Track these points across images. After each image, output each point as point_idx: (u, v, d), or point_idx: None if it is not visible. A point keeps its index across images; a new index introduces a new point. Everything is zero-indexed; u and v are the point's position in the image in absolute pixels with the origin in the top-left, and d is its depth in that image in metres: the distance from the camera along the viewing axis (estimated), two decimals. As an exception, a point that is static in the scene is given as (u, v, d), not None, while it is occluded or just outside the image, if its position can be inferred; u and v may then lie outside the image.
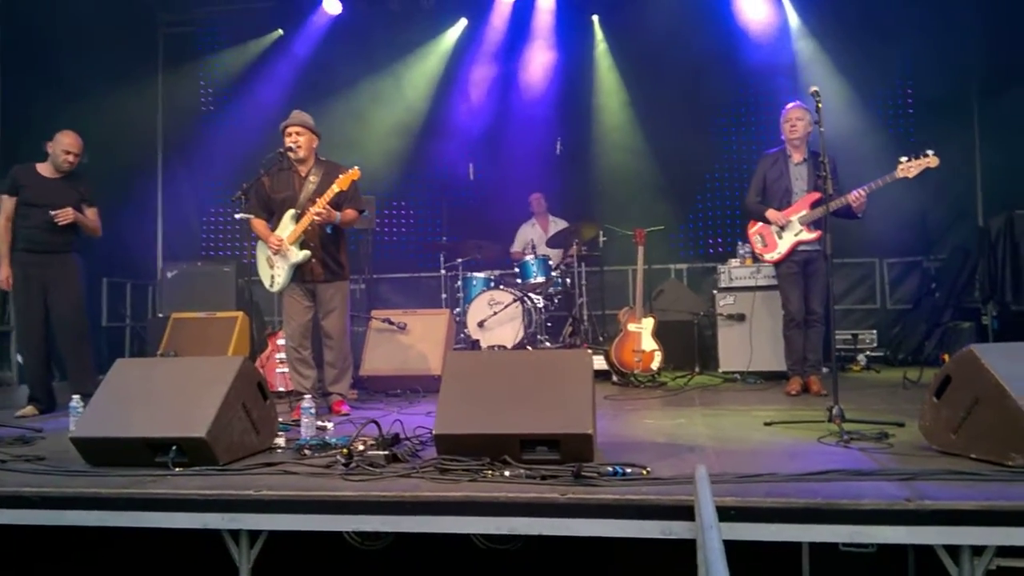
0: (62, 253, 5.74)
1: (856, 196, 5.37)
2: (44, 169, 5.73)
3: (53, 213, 5.56)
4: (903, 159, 5.23)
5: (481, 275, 7.89)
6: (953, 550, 2.66)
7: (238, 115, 9.62)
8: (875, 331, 7.93)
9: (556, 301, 7.92)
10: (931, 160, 5.16)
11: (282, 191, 5.28)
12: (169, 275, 8.35)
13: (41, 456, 3.78)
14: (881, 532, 2.66)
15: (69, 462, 3.59)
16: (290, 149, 5.21)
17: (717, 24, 8.83)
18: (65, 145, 5.67)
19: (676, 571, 3.00)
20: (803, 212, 5.70)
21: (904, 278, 8.70)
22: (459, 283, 8.01)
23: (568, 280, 7.96)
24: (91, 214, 5.86)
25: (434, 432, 3.35)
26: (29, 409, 5.54)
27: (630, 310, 6.82)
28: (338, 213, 5.18)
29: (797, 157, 5.81)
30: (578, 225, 7.85)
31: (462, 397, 3.48)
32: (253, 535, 3.09)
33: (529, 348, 7.10)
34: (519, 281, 7.74)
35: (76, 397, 4.42)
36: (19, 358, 7.90)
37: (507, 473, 3.11)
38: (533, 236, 8.40)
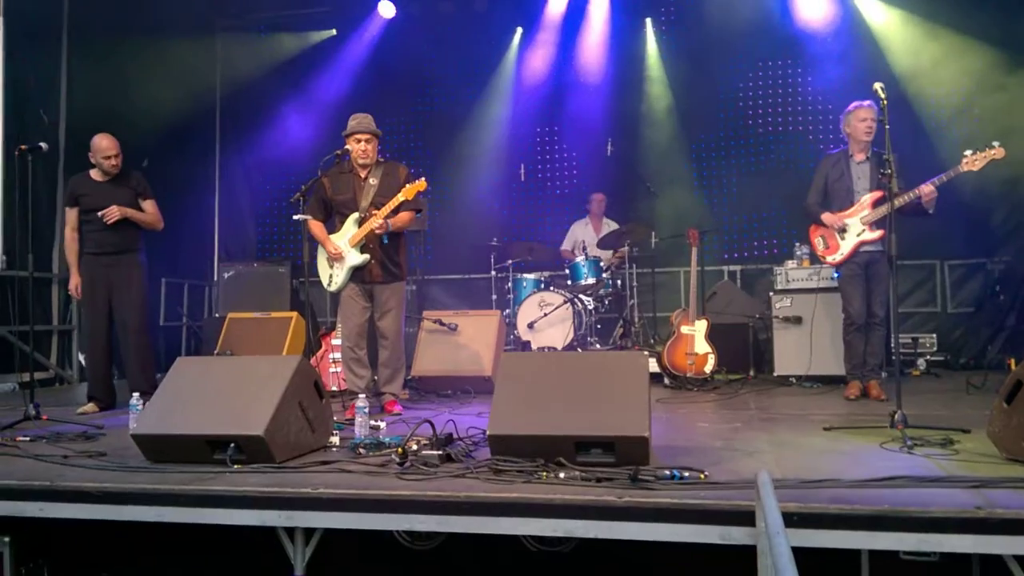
0: (126, 253, 5.82)
1: (929, 191, 5.23)
2: (96, 175, 5.85)
3: (100, 214, 5.65)
4: (968, 152, 5.08)
5: (531, 276, 7.88)
6: (1024, 560, 2.57)
7: (290, 117, 9.76)
8: (935, 335, 7.72)
9: (607, 303, 7.86)
10: (997, 152, 5.00)
11: (343, 193, 5.32)
12: (226, 276, 8.50)
13: (102, 452, 3.87)
14: (948, 540, 2.59)
15: (129, 458, 3.66)
16: (349, 150, 5.23)
17: (772, 23, 8.68)
18: (103, 150, 5.73)
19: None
20: (865, 212, 5.57)
21: (966, 280, 8.43)
22: (509, 284, 8.01)
23: (619, 282, 7.90)
24: (148, 207, 5.92)
25: (488, 433, 3.34)
26: (89, 407, 5.65)
27: (683, 312, 6.73)
28: (389, 222, 5.20)
29: (859, 156, 5.67)
30: (630, 226, 7.79)
31: (516, 398, 3.46)
32: (308, 533, 3.11)
33: (579, 350, 7.06)
34: (569, 282, 7.70)
35: (136, 395, 4.50)
36: (81, 357, 8.12)
37: (562, 475, 3.09)
38: (584, 236, 8.35)
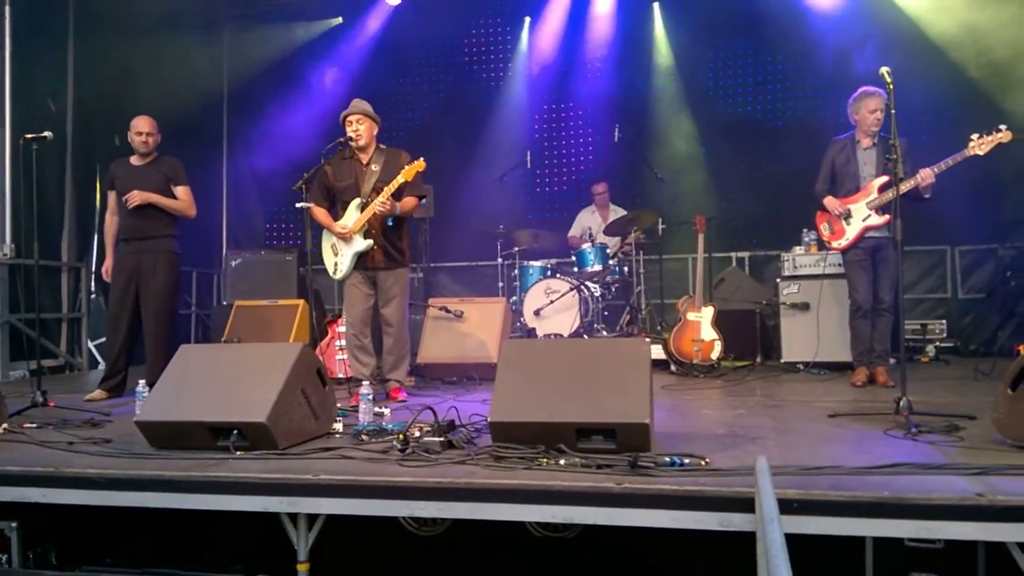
0: (155, 240, 5.80)
1: (925, 175, 5.19)
2: (135, 159, 5.90)
3: (124, 198, 5.69)
4: (974, 136, 5.04)
5: (538, 264, 7.87)
6: (1027, 547, 2.56)
7: (297, 104, 9.76)
8: (945, 321, 7.66)
9: (613, 290, 7.84)
10: (1004, 135, 4.96)
11: (345, 180, 5.33)
12: (233, 264, 8.52)
13: (108, 439, 3.90)
14: (951, 528, 2.57)
15: (134, 445, 3.68)
16: (351, 139, 5.26)
17: (782, 6, 8.59)
18: (137, 127, 5.81)
19: (734, 563, 2.94)
20: (871, 197, 5.53)
21: (977, 266, 8.37)
22: (516, 271, 8.00)
23: (626, 268, 7.88)
24: (181, 193, 5.91)
25: (489, 419, 3.34)
26: (97, 393, 5.67)
27: (689, 299, 6.71)
28: (398, 204, 5.21)
29: (866, 142, 5.63)
30: (637, 212, 7.76)
31: (518, 385, 3.46)
32: (311, 518, 3.13)
33: (585, 337, 7.05)
34: (576, 269, 7.69)
35: (142, 383, 4.52)
36: (91, 344, 8.17)
37: (562, 462, 3.09)
38: (591, 223, 8.33)
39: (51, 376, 7.30)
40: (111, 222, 5.97)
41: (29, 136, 5.29)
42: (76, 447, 3.71)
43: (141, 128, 5.82)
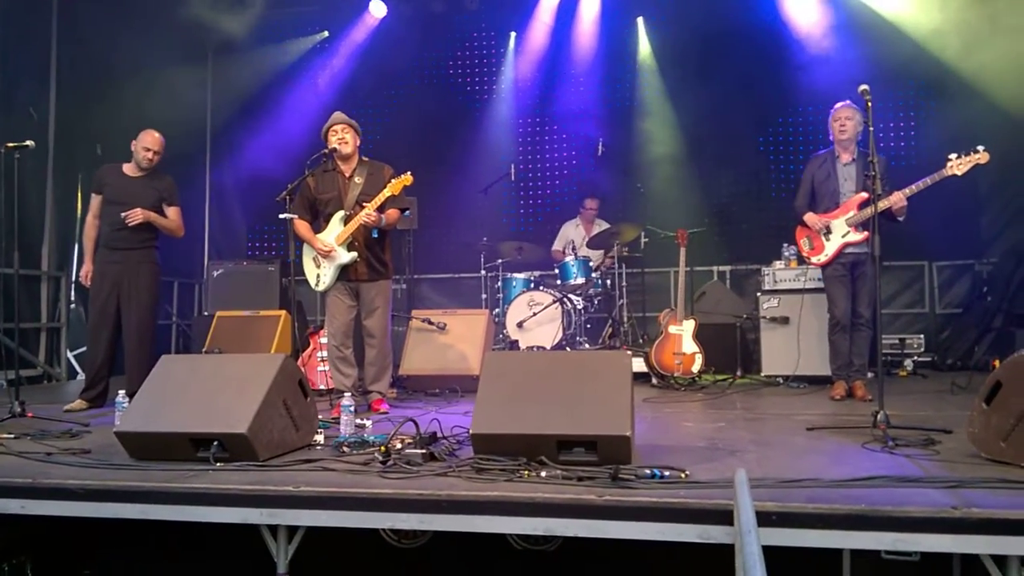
0: (137, 251, 5.77)
1: (897, 199, 5.27)
2: (129, 168, 5.84)
3: (123, 215, 5.65)
4: (952, 156, 5.11)
5: (521, 276, 7.89)
6: (1000, 560, 2.59)
7: (282, 116, 9.74)
8: (923, 336, 7.75)
9: (596, 303, 7.87)
10: (981, 156, 5.03)
11: (328, 192, 5.33)
12: (215, 274, 8.47)
13: (87, 449, 3.87)
14: (926, 540, 2.61)
15: (113, 456, 3.65)
16: (334, 150, 5.26)
17: (765, 23, 8.69)
18: (146, 143, 5.78)
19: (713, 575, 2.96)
20: (850, 213, 5.60)
21: (954, 282, 8.47)
22: (499, 284, 8.02)
23: (608, 282, 7.91)
24: (172, 213, 5.91)
25: (471, 431, 3.35)
26: (77, 403, 5.62)
27: (671, 312, 6.75)
28: (383, 217, 5.22)
29: (846, 157, 5.70)
30: (619, 226, 7.80)
31: (500, 397, 3.48)
32: (291, 530, 3.12)
33: (568, 349, 7.07)
34: (559, 282, 7.71)
35: (122, 393, 4.48)
36: (70, 355, 8.10)
37: (543, 474, 3.10)
38: (575, 236, 8.36)
39: (29, 386, 7.24)
40: (92, 225, 5.90)
41: (11, 145, 5.27)
42: (55, 458, 3.68)
43: (150, 145, 5.79)
